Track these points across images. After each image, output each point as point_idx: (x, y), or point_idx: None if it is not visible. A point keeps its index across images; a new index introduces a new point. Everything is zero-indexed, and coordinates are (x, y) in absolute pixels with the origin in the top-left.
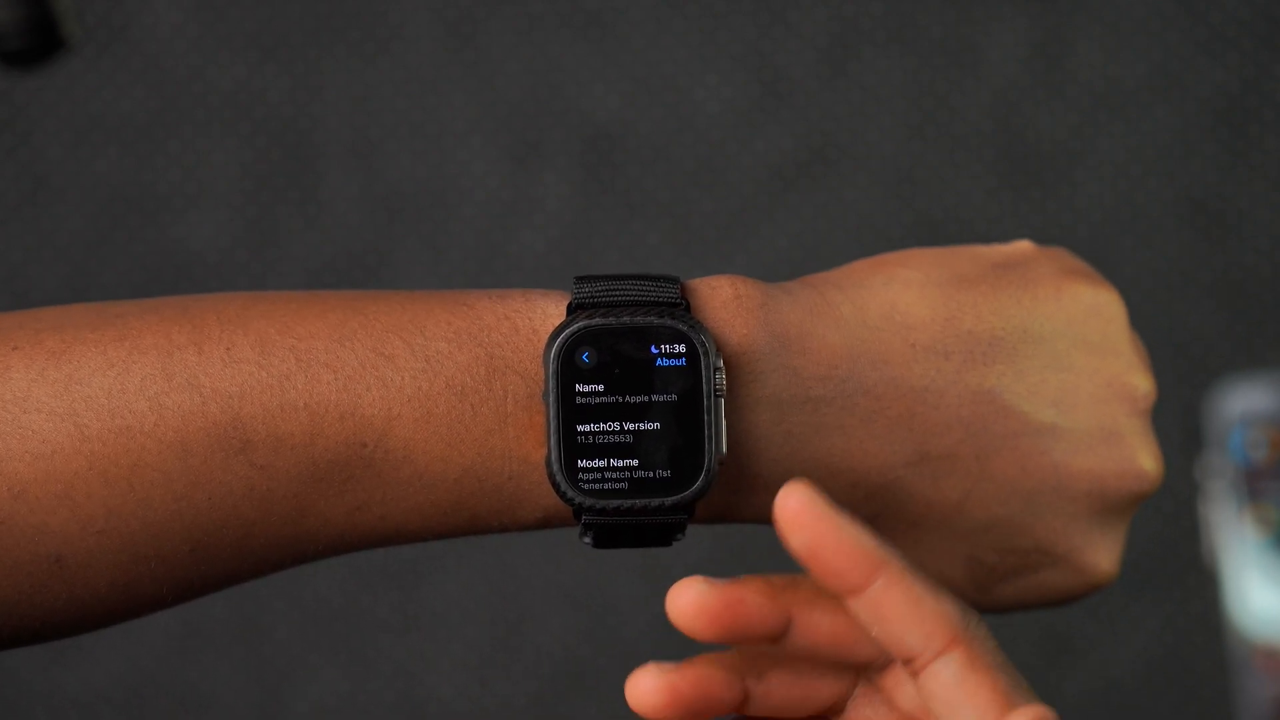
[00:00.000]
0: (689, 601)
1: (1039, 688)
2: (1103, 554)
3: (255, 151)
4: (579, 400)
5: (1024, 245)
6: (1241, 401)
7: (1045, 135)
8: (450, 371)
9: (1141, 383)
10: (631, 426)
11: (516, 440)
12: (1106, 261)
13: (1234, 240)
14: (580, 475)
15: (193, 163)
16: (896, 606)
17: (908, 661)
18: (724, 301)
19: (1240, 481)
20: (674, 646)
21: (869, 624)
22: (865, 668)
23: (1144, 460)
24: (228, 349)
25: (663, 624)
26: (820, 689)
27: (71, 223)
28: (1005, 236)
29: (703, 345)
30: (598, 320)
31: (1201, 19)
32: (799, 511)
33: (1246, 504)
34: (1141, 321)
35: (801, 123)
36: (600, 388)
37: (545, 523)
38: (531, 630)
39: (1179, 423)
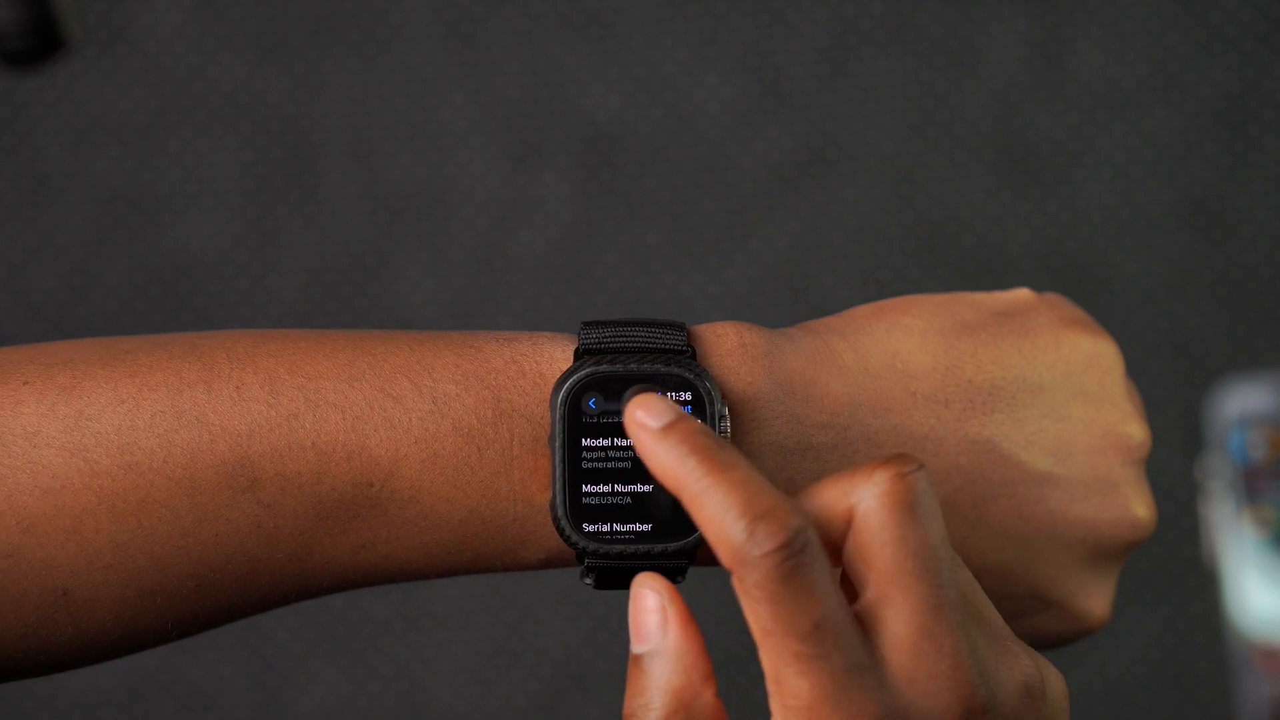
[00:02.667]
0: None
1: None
2: (1095, 600)
3: (255, 151)
4: (584, 445)
5: (1024, 293)
6: (1241, 401)
7: (1045, 135)
8: (457, 413)
9: (1137, 432)
10: (636, 472)
11: (522, 483)
12: (1106, 261)
13: (1234, 240)
14: (584, 520)
15: (193, 163)
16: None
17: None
18: (729, 349)
19: (1240, 481)
20: None
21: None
22: None
23: (1137, 509)
24: (237, 387)
25: None
26: None
27: (71, 223)
28: (1005, 236)
29: (708, 393)
30: (605, 367)
31: (1201, 19)
32: (631, 425)
33: (1246, 504)
34: (1141, 321)
35: (801, 123)
36: (606, 433)
37: (548, 564)
38: (532, 632)
39: (1179, 423)
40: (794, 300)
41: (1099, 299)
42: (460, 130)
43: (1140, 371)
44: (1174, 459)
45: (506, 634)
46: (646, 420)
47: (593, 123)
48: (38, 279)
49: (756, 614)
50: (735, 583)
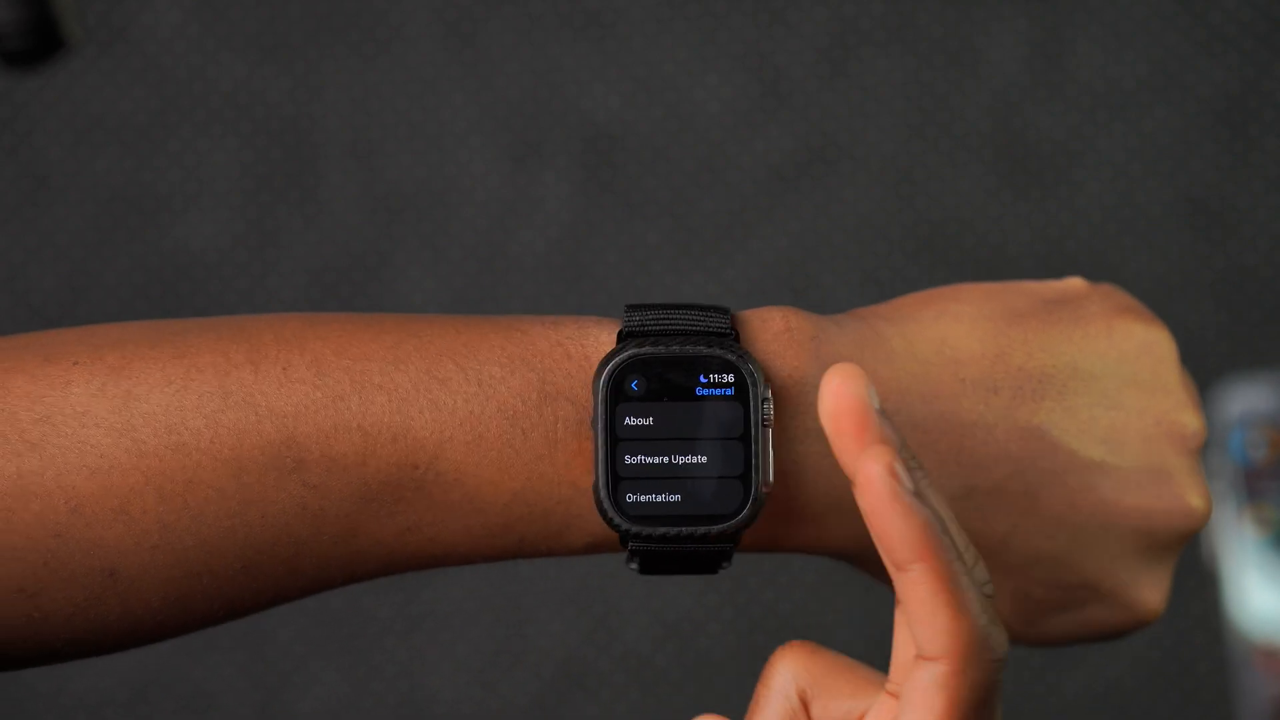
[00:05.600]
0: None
1: (1039, 688)
2: (1149, 590)
3: (255, 151)
4: (627, 427)
5: (1076, 282)
6: (1241, 401)
7: (1045, 135)
8: (502, 396)
9: (1191, 421)
10: (679, 455)
11: (566, 466)
12: (1106, 261)
13: (1234, 240)
14: (627, 502)
15: (193, 163)
16: (917, 599)
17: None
18: (775, 333)
19: (1240, 481)
20: (673, 650)
21: (899, 596)
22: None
23: (1192, 498)
24: (284, 369)
25: (664, 627)
26: None
27: (71, 223)
28: (1005, 236)
29: (751, 375)
30: (647, 349)
31: (1201, 19)
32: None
33: (1246, 504)
34: None
35: (801, 123)
36: (649, 415)
37: (593, 548)
38: (534, 632)
39: None
40: (794, 300)
41: None
42: (460, 130)
43: None
44: None
45: (508, 634)
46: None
47: (593, 123)
48: (38, 279)
49: (960, 712)
50: (941, 676)
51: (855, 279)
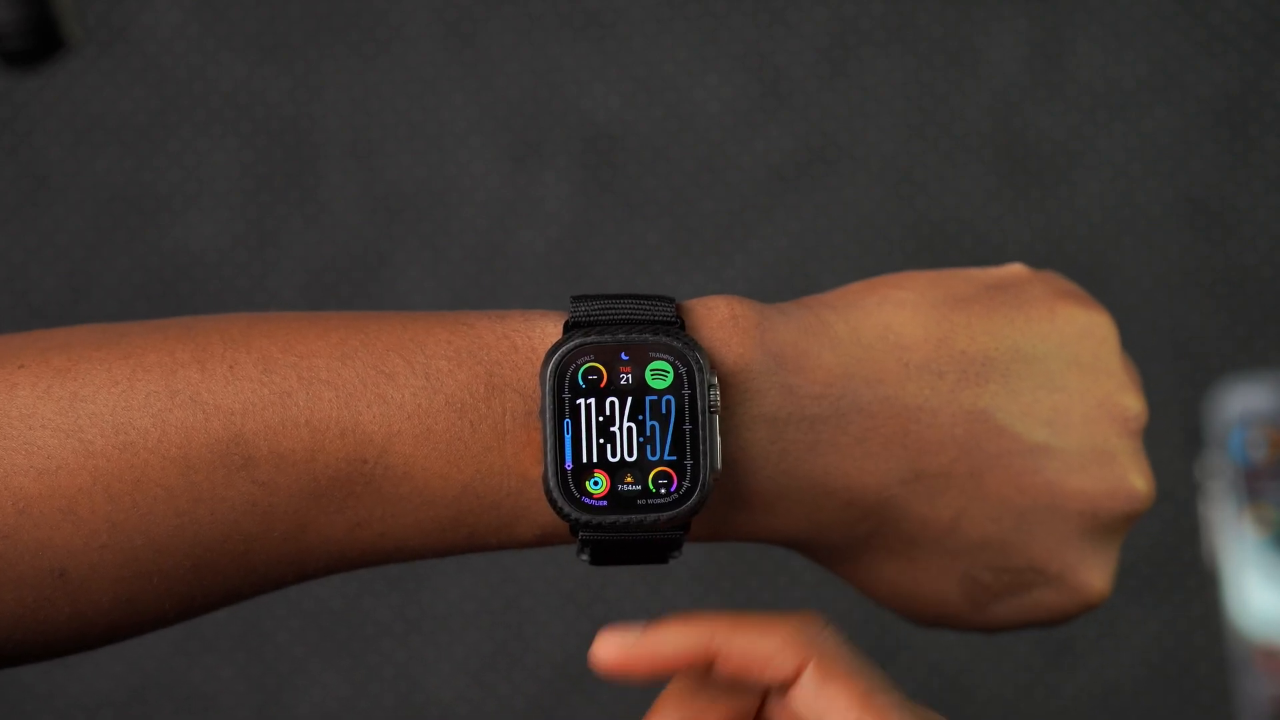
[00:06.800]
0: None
1: (1039, 689)
2: (1095, 573)
3: (255, 151)
4: (574, 417)
5: (1017, 268)
6: (1241, 401)
7: (1045, 135)
8: (450, 389)
9: (1133, 403)
10: (626, 443)
11: (515, 457)
12: (1106, 261)
13: (1234, 240)
14: (575, 492)
15: (193, 163)
16: (742, 658)
17: (785, 688)
18: (720, 321)
19: (1240, 481)
20: None
21: (741, 677)
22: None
23: (1135, 480)
24: (230, 366)
25: None
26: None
27: (71, 223)
28: (1005, 236)
29: (697, 362)
30: (593, 338)
31: (1201, 19)
32: (612, 665)
33: (1246, 504)
34: (1141, 321)
35: (801, 123)
36: (596, 404)
37: (543, 540)
38: (532, 634)
39: (1179, 423)
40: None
41: (1099, 299)
42: (460, 130)
43: (1140, 372)
44: (1174, 459)
45: (507, 636)
46: (623, 635)
47: (593, 123)
48: (38, 279)
49: (851, 684)
50: (815, 672)
51: (855, 279)
